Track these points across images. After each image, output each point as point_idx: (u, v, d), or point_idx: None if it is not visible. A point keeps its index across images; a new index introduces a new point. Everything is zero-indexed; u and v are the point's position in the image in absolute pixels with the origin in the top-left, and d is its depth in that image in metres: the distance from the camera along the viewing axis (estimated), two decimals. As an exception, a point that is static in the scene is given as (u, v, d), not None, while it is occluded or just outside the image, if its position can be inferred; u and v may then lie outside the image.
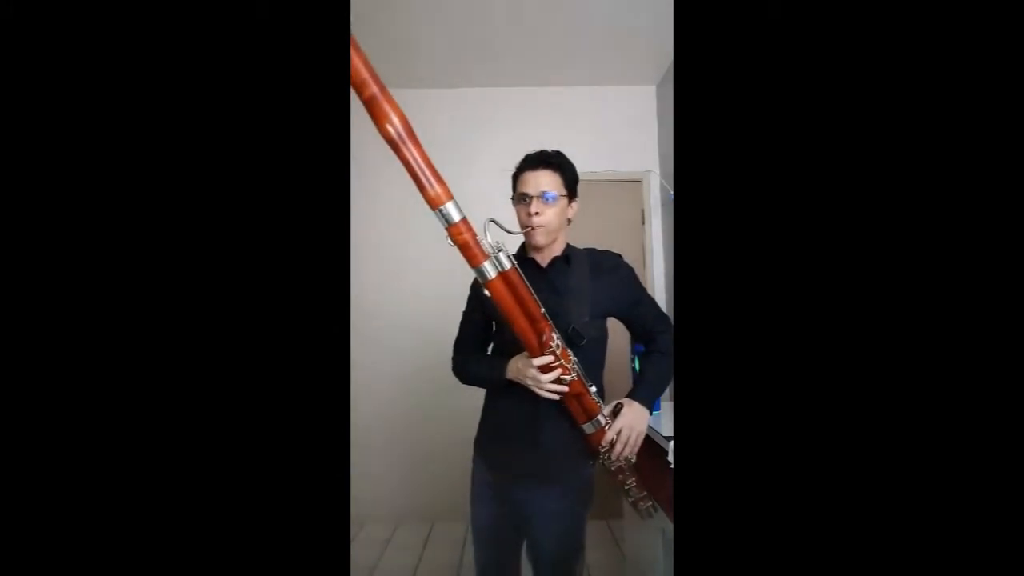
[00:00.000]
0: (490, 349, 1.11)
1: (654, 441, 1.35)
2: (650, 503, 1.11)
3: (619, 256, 1.06)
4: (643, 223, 2.56)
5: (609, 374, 1.06)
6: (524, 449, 0.99)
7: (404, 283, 2.49)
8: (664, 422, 1.41)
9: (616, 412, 0.98)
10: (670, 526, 1.17)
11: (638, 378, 1.05)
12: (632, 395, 1.01)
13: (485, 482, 1.06)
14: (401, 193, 2.47)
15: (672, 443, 1.20)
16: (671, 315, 2.40)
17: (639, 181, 2.57)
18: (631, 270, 1.06)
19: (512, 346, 0.92)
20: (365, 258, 2.49)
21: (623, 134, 2.58)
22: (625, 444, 0.96)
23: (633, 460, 1.01)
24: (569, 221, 1.03)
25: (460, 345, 1.11)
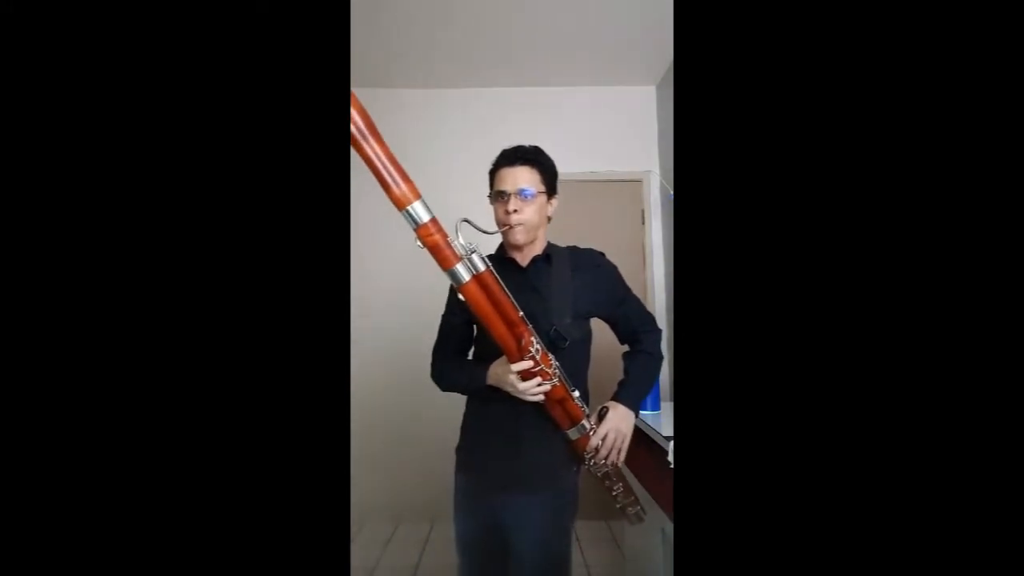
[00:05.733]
0: (471, 353, 1.06)
1: (654, 441, 1.35)
2: (639, 507, 1.07)
3: (601, 254, 1.04)
4: (643, 223, 2.56)
5: (597, 380, 1.04)
6: (507, 457, 0.96)
7: (405, 281, 2.48)
8: (664, 422, 1.41)
9: (602, 416, 0.96)
10: (670, 526, 1.17)
11: (623, 379, 1.02)
12: (617, 397, 0.99)
13: (468, 492, 1.02)
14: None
15: (672, 443, 1.20)
16: (671, 315, 2.42)
17: (639, 181, 2.57)
18: (614, 268, 1.03)
19: (493, 350, 0.89)
20: (365, 255, 2.48)
21: (623, 134, 2.58)
22: (611, 449, 0.94)
23: (620, 464, 0.99)
24: (549, 219, 1.00)
25: (439, 350, 1.06)
